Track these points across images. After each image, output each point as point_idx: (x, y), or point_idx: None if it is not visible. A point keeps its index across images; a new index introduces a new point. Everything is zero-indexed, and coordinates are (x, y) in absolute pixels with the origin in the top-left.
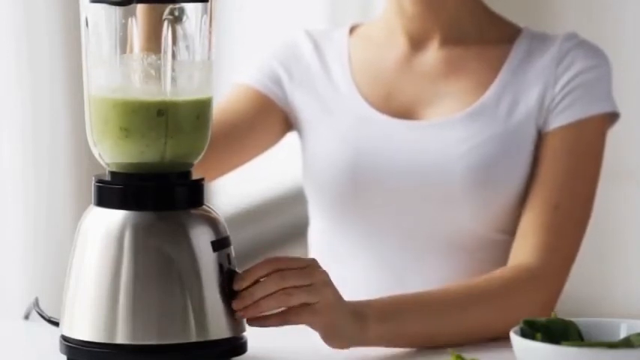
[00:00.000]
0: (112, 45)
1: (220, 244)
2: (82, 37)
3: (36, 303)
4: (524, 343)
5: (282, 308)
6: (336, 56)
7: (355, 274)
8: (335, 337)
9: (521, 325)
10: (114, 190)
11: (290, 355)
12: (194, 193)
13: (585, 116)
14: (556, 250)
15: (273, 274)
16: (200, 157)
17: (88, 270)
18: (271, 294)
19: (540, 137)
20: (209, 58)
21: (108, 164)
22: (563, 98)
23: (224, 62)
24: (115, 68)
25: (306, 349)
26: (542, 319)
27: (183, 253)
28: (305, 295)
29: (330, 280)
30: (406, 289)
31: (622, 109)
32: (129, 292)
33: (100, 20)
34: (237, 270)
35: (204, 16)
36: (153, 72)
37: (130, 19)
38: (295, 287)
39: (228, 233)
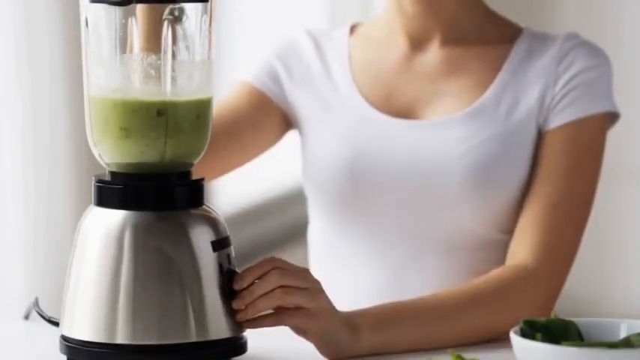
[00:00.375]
0: (112, 45)
1: (220, 244)
2: (82, 37)
3: (36, 303)
4: (524, 343)
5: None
6: (336, 56)
7: (355, 273)
8: (328, 347)
9: (521, 325)
10: (114, 190)
11: (290, 355)
12: (194, 193)
13: (585, 115)
14: (554, 250)
15: (273, 271)
16: (200, 157)
17: (88, 270)
18: (269, 292)
19: (540, 136)
20: (209, 58)
21: (108, 164)
22: (563, 97)
23: (224, 62)
24: (115, 68)
25: (306, 350)
26: (542, 319)
27: (183, 253)
28: (301, 297)
29: (323, 289)
30: (406, 288)
31: (622, 109)
32: (129, 292)
33: (100, 20)
34: (237, 270)
35: (204, 16)
36: (153, 72)
37: (130, 19)
38: (292, 287)
39: (228, 233)
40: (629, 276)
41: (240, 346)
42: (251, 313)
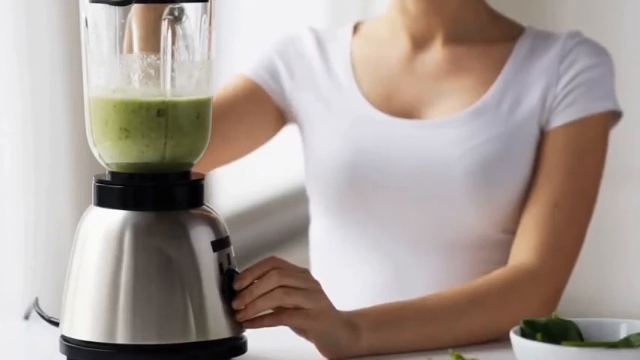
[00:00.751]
0: (112, 45)
1: (220, 244)
2: (82, 37)
3: (36, 303)
4: (524, 343)
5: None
6: (338, 54)
7: (356, 273)
8: (328, 347)
9: (521, 325)
10: (114, 190)
11: (290, 355)
12: (194, 193)
13: (587, 114)
14: (556, 250)
15: (272, 271)
16: (200, 157)
17: (88, 270)
18: (269, 291)
19: (542, 136)
20: (209, 57)
21: (108, 164)
22: (565, 96)
23: (224, 61)
24: (114, 68)
25: (306, 350)
26: (542, 319)
27: (183, 253)
28: (300, 298)
29: (323, 290)
30: (408, 287)
31: (623, 109)
32: (129, 292)
33: (100, 20)
34: (237, 270)
35: (204, 15)
36: (153, 72)
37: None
38: (292, 288)
39: (228, 233)
40: (629, 276)
41: (240, 346)
42: (251, 313)
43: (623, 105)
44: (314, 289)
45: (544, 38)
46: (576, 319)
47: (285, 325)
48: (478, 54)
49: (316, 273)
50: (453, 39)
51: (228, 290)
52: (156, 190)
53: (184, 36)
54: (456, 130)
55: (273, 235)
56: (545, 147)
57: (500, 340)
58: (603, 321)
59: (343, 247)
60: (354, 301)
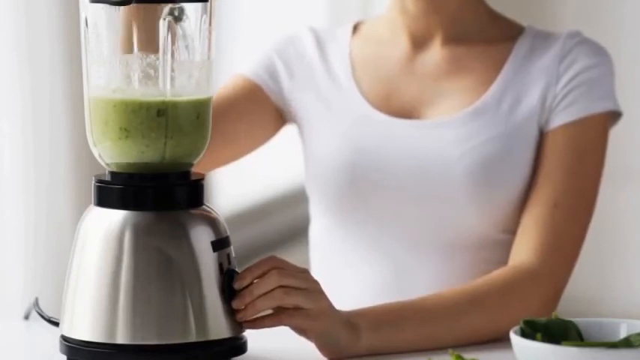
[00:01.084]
0: (112, 45)
1: (220, 244)
2: (82, 37)
3: (36, 303)
4: (524, 343)
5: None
6: (338, 54)
7: (356, 272)
8: (328, 347)
9: (521, 325)
10: (114, 190)
11: (290, 355)
12: (194, 193)
13: (587, 114)
14: (556, 250)
15: (272, 271)
16: (200, 157)
17: (88, 270)
18: (269, 291)
19: (542, 136)
20: (209, 57)
21: (108, 164)
22: (565, 96)
23: (224, 61)
24: (114, 68)
25: (306, 350)
26: (542, 319)
27: (183, 253)
28: (300, 298)
29: (323, 290)
30: (408, 287)
31: (623, 109)
32: (129, 292)
33: (100, 20)
34: (237, 270)
35: (204, 15)
36: (153, 72)
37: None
38: (292, 288)
39: (228, 233)
40: (629, 276)
41: (240, 346)
42: (250, 313)
43: (623, 105)
44: (314, 289)
45: (544, 38)
46: (576, 319)
47: (285, 325)
48: (478, 54)
49: (316, 273)
50: (453, 39)
51: (228, 290)
52: (156, 190)
53: (184, 36)
54: (456, 130)
55: (273, 235)
56: (545, 147)
57: (501, 340)
58: (603, 321)
59: (343, 247)
60: (354, 301)
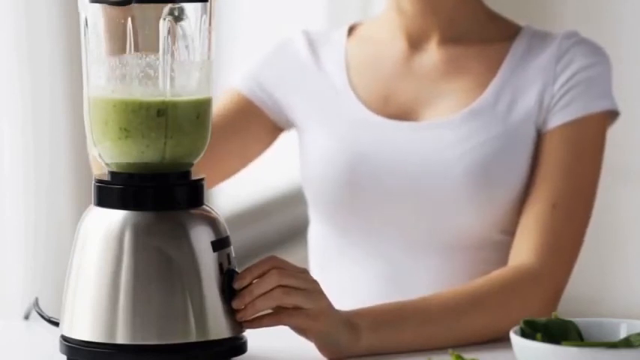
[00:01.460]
0: (112, 45)
1: (220, 244)
2: (82, 37)
3: (36, 303)
4: (524, 343)
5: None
6: (333, 57)
7: (355, 274)
8: (328, 347)
9: (521, 325)
10: (114, 190)
11: (290, 355)
12: (194, 193)
13: (585, 114)
14: (555, 250)
15: (272, 270)
16: (200, 157)
17: (88, 270)
18: (269, 291)
19: (540, 136)
20: (209, 58)
21: (108, 164)
22: (562, 96)
23: (224, 62)
24: (115, 68)
25: (306, 350)
26: (542, 319)
27: (183, 253)
28: (300, 298)
29: (322, 290)
30: (407, 289)
31: (621, 109)
32: (129, 292)
33: (100, 20)
34: (237, 270)
35: (204, 15)
36: (152, 72)
37: (129, 19)
38: (292, 288)
39: (228, 233)
40: (629, 276)
41: (240, 346)
42: (250, 313)
43: (623, 105)
44: (314, 289)
45: (541, 38)
46: (576, 319)
47: (284, 325)
48: (475, 54)
49: (315, 274)
50: (450, 39)
51: (228, 290)
52: (156, 190)
53: (184, 36)
54: (454, 131)
55: (273, 235)
56: (543, 147)
57: (501, 340)
58: (603, 321)
59: (342, 249)
60: (353, 302)
